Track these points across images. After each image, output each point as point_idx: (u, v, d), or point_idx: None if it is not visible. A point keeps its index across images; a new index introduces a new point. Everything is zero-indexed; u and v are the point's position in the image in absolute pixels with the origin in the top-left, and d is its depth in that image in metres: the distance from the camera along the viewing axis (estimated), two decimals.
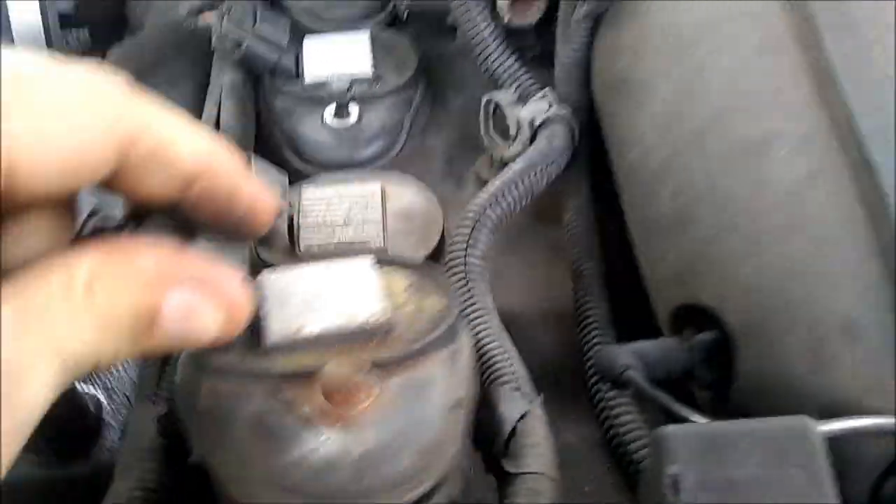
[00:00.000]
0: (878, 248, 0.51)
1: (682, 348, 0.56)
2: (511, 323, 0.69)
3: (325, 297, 0.45)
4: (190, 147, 0.37)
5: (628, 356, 0.54)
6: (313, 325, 0.43)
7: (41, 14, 0.89)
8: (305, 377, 0.42)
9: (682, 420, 0.50)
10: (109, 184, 0.36)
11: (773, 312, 0.52)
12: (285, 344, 0.43)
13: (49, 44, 0.90)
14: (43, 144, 0.33)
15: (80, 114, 0.34)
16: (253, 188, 0.40)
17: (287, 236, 0.63)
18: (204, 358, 0.44)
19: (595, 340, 0.65)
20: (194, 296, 0.36)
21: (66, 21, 1.09)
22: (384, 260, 0.49)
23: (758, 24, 0.61)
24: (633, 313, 0.68)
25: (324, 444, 0.40)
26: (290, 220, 0.63)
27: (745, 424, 0.46)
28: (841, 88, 0.56)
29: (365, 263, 0.47)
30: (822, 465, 0.44)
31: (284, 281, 0.46)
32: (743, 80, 0.60)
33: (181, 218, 0.38)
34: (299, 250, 0.62)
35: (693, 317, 0.57)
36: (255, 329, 0.43)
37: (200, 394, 0.43)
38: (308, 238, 0.63)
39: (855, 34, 0.59)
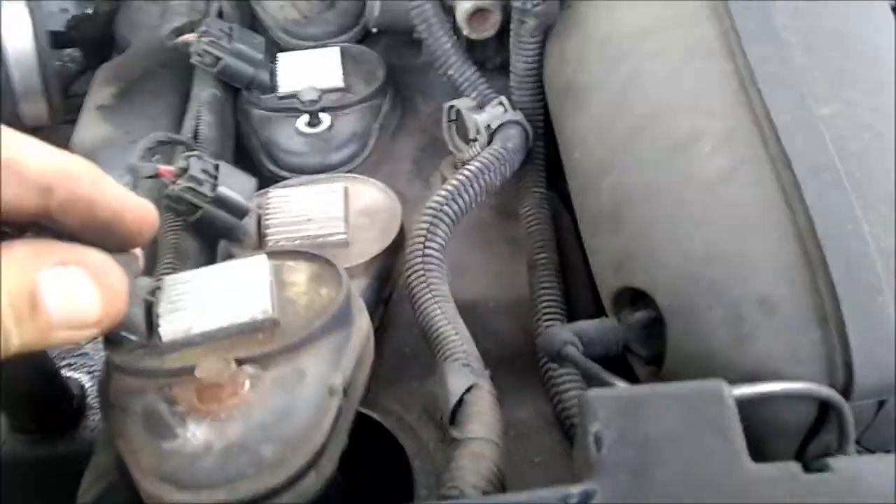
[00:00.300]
0: (794, 232, 0.56)
1: (619, 327, 0.61)
2: (474, 311, 0.75)
3: (219, 297, 0.48)
4: (37, 160, 0.40)
5: (568, 334, 0.59)
6: (204, 324, 0.47)
7: (34, 36, 0.94)
8: (186, 375, 0.45)
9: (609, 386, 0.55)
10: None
11: (697, 292, 0.57)
12: (178, 342, 0.47)
13: (42, 64, 0.95)
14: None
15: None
16: (116, 193, 0.43)
17: (255, 234, 0.68)
18: (112, 356, 0.48)
19: (547, 324, 0.70)
20: (70, 271, 0.40)
21: (58, 41, 1.15)
22: (285, 254, 0.53)
23: (686, 33, 0.67)
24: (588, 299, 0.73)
25: (192, 437, 0.44)
26: (258, 219, 0.68)
27: (663, 387, 0.51)
28: (760, 88, 0.61)
29: (260, 261, 0.51)
30: (734, 424, 0.49)
31: (182, 282, 0.50)
32: (672, 83, 0.65)
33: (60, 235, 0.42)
34: (266, 246, 0.67)
35: (631, 299, 0.63)
36: (153, 329, 0.47)
37: (109, 388, 0.48)
38: (274, 235, 0.68)
39: (774, 40, 0.64)
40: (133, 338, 0.47)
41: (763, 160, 0.59)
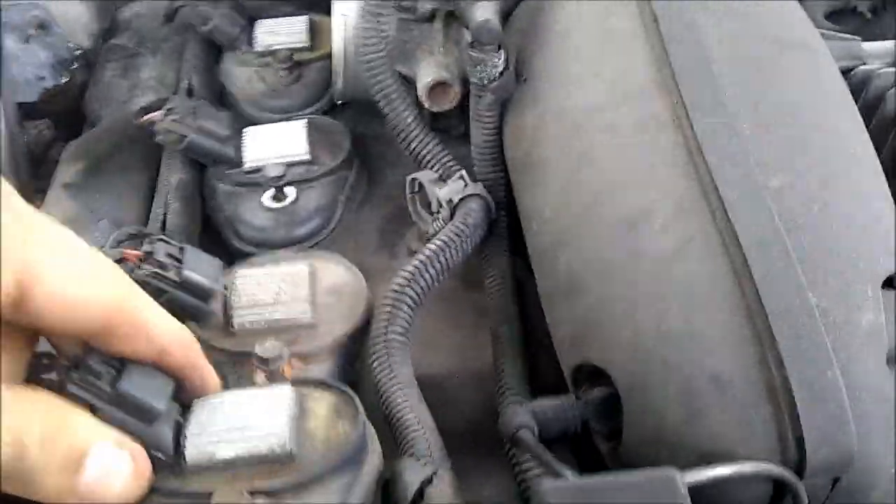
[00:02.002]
0: (744, 308, 0.57)
1: (578, 405, 0.62)
2: (440, 385, 0.75)
3: (243, 425, 0.52)
4: (161, 330, 0.49)
5: (524, 416, 0.59)
6: (225, 451, 0.50)
7: (2, 109, 0.95)
8: (203, 500, 0.48)
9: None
10: (95, 340, 0.47)
11: (650, 370, 0.58)
12: (201, 466, 0.50)
13: (11, 140, 0.96)
14: (59, 281, 0.43)
15: (91, 280, 0.46)
16: (206, 370, 0.53)
17: (222, 316, 0.68)
18: None
19: (509, 400, 0.70)
20: (120, 455, 0.46)
21: (28, 114, 1.16)
22: (312, 383, 0.56)
23: (636, 108, 0.68)
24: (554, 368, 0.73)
25: None
26: (224, 301, 0.69)
27: (616, 477, 0.51)
28: (708, 161, 0.62)
29: (284, 392, 0.54)
30: None
31: (210, 406, 0.53)
32: (623, 158, 0.66)
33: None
34: (233, 328, 0.68)
35: (590, 374, 0.63)
36: (179, 451, 0.51)
37: None
38: (241, 317, 0.68)
39: (722, 111, 0.65)
40: (161, 456, 0.50)
41: (712, 236, 0.60)
